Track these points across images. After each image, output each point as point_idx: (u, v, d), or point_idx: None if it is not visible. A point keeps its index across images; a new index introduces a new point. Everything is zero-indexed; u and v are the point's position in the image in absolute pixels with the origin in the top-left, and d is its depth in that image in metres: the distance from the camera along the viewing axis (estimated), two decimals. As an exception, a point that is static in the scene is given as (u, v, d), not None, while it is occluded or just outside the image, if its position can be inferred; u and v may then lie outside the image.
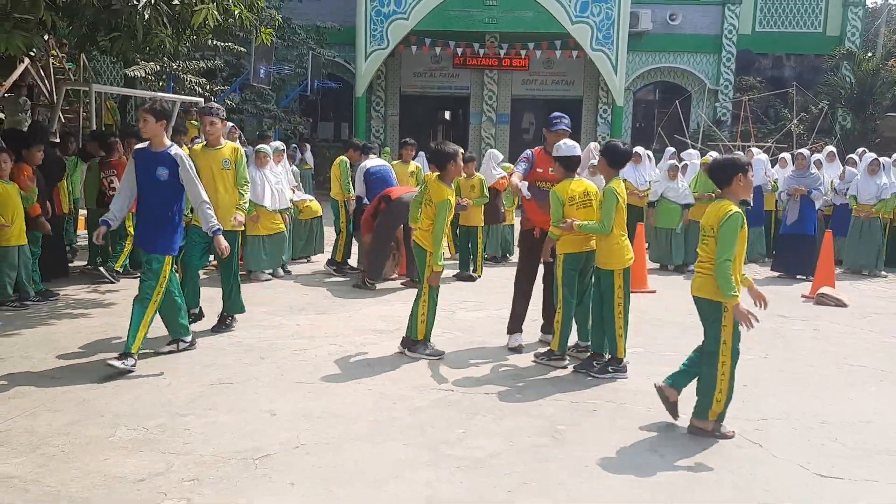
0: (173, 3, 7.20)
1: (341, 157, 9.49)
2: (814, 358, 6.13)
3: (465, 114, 24.29)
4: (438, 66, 23.33)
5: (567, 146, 5.56)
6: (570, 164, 5.54)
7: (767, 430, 4.48)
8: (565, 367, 5.54)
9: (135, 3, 6.25)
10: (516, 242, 8.86)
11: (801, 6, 22.95)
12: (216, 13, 6.96)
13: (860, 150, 12.11)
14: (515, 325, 6.22)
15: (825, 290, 8.51)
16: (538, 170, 6.04)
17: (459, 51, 21.93)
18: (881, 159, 10.34)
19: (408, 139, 10.06)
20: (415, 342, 5.79)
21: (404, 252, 8.79)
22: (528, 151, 6.20)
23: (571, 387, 5.18)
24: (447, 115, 25.80)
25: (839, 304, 8.28)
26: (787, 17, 23.10)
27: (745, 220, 4.29)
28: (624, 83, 21.25)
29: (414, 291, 8.26)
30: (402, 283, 8.70)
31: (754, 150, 13.24)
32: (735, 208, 4.23)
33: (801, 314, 7.87)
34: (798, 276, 9.71)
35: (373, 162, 9.06)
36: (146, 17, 6.34)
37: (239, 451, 3.88)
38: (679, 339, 6.58)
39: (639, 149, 11.07)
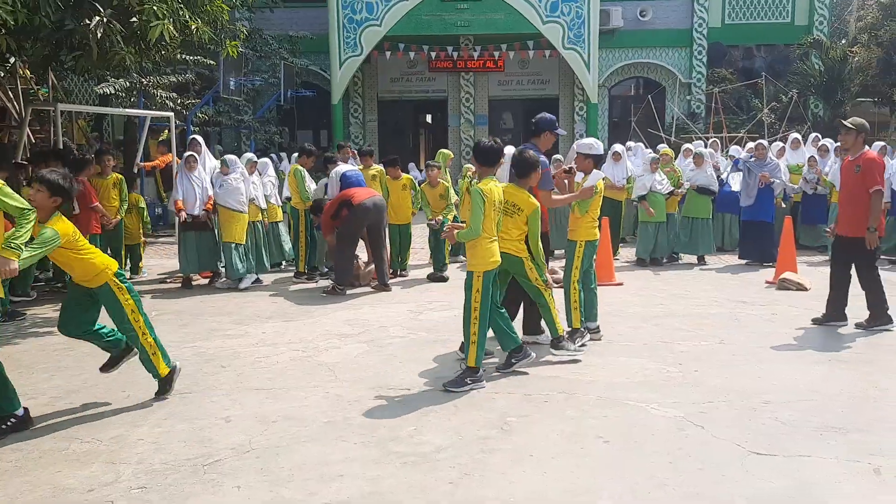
0: (130, 20, 7.30)
1: (295, 166, 9.54)
2: (765, 340, 6.27)
3: (443, 117, 24.42)
4: (414, 71, 23.44)
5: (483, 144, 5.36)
6: (488, 160, 5.30)
7: (711, 413, 4.60)
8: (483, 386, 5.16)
9: (87, 22, 6.34)
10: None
11: (769, -3, 23.17)
12: (172, 29, 7.05)
13: (832, 142, 12.30)
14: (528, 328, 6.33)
15: (787, 275, 8.67)
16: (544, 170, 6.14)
17: (434, 55, 22.05)
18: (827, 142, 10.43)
19: (369, 147, 10.12)
20: (559, 339, 5.74)
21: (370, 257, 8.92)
22: (544, 160, 6.02)
23: (527, 381, 5.30)
24: (429, 118, 25.93)
25: (801, 288, 8.44)
26: (755, 8, 23.32)
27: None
28: (598, 80, 21.39)
29: (382, 295, 8.44)
30: (372, 287, 8.81)
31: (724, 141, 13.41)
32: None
33: (762, 299, 8.02)
34: (765, 264, 9.87)
35: (346, 167, 9.21)
36: (99, 35, 6.43)
37: (190, 458, 3.97)
38: (639, 330, 6.73)
39: (617, 147, 11.17)
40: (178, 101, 14.56)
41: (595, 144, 6.40)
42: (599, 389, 5.09)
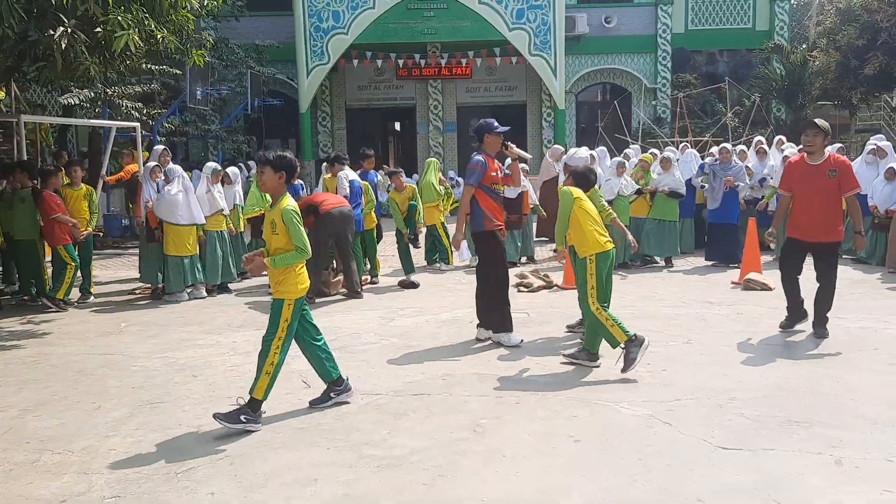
0: (94, 30, 7.25)
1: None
2: (732, 339, 6.40)
3: (411, 124, 24.49)
4: (382, 79, 23.50)
5: None
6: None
7: (679, 410, 4.69)
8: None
9: (51, 32, 6.29)
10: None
11: (731, 3, 23.63)
12: (137, 39, 7.01)
13: (785, 141, 12.54)
14: (509, 324, 6.46)
15: (752, 275, 8.84)
16: (492, 173, 6.33)
17: (401, 62, 22.13)
18: (789, 153, 10.54)
19: (340, 153, 10.07)
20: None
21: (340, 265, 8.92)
22: (479, 158, 6.32)
23: (500, 383, 5.35)
24: (397, 126, 25.98)
25: (765, 288, 8.61)
26: (717, 14, 23.77)
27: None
28: (564, 86, 21.64)
29: (354, 302, 8.46)
30: (342, 295, 8.81)
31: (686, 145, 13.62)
32: None
33: (728, 300, 8.17)
34: (731, 265, 10.05)
35: (354, 174, 9.34)
36: (63, 46, 6.38)
37: (163, 467, 3.96)
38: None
39: (592, 151, 11.29)
40: (144, 112, 14.44)
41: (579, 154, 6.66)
42: (571, 391, 5.16)
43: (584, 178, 6.07)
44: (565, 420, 4.60)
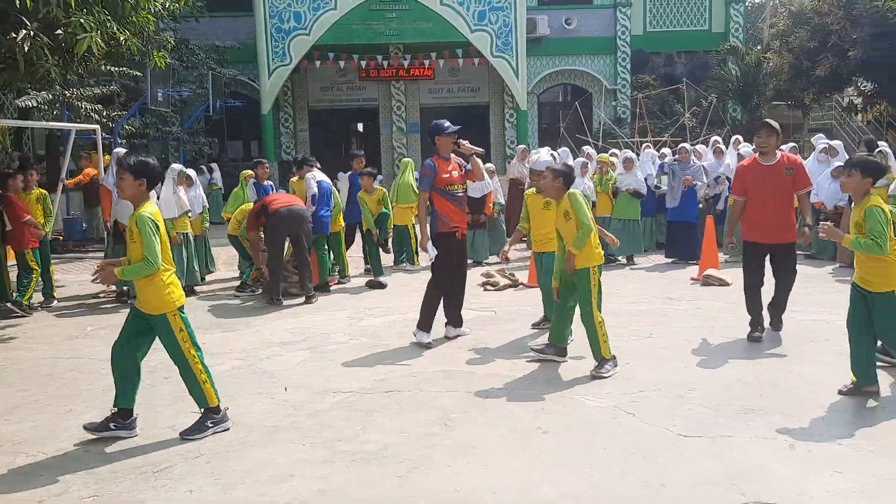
0: (56, 33, 7.21)
1: (249, 206, 9.41)
2: (691, 334, 6.61)
3: (375, 125, 24.54)
4: (345, 80, 23.51)
5: None
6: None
7: (642, 402, 4.87)
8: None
9: (13, 35, 6.25)
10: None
11: (687, 6, 24.15)
12: (100, 41, 6.99)
13: (738, 139, 12.89)
14: (429, 322, 6.51)
15: (710, 271, 9.10)
16: (444, 175, 6.37)
17: (364, 63, 22.17)
18: (743, 152, 10.84)
19: (307, 156, 10.11)
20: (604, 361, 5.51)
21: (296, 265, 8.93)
22: (429, 162, 6.44)
23: (468, 380, 5.47)
24: (360, 127, 26.00)
25: (723, 283, 8.88)
26: (674, 16, 24.27)
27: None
28: (526, 87, 21.92)
29: (323, 303, 8.51)
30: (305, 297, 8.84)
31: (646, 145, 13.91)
32: None
33: (687, 295, 8.42)
34: (689, 262, 10.32)
35: (322, 176, 9.39)
36: (26, 48, 6.34)
37: (139, 466, 4.01)
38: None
39: (553, 152, 11.47)
40: (104, 114, 14.28)
41: (542, 157, 6.72)
42: (537, 385, 5.31)
43: (572, 179, 5.80)
44: (533, 413, 4.74)
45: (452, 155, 6.55)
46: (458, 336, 6.69)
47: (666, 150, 12.88)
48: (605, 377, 5.39)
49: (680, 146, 11.09)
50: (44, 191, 9.08)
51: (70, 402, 5.11)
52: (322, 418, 4.73)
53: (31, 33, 6.35)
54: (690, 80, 22.25)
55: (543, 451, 4.15)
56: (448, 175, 6.40)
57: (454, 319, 6.75)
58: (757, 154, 6.53)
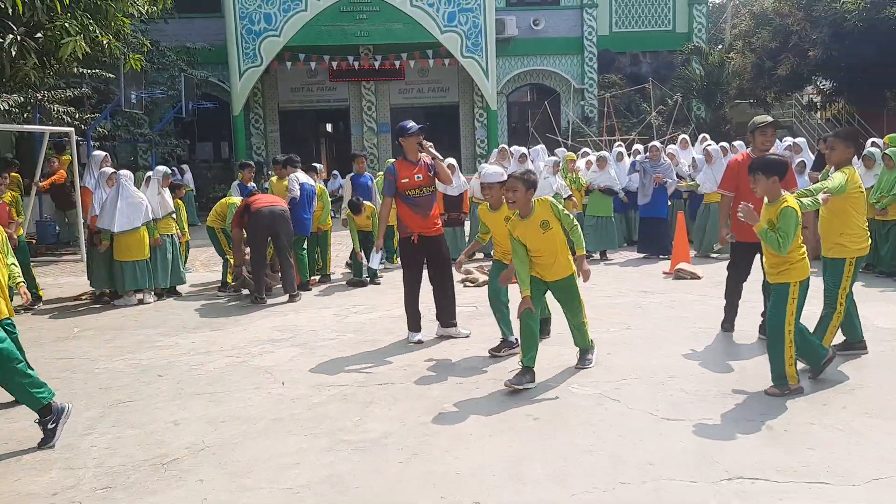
0: (36, 36, 7.25)
1: (231, 199, 9.52)
2: (667, 324, 6.89)
3: (345, 126, 24.61)
4: (315, 81, 23.55)
5: None
6: None
7: (625, 389, 5.11)
8: None
9: (0, 40, 6.30)
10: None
11: (652, 7, 24.62)
12: (84, 45, 7.05)
13: (701, 136, 13.30)
14: (414, 322, 6.62)
15: (682, 265, 9.42)
16: (403, 180, 6.36)
17: (335, 64, 22.23)
18: (710, 149, 11.19)
19: (292, 156, 10.16)
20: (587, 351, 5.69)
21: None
22: (390, 167, 6.55)
23: (456, 371, 5.67)
24: (329, 127, 26.05)
25: (694, 276, 9.20)
26: (639, 17, 24.72)
27: None
28: (496, 87, 22.17)
29: (307, 301, 8.64)
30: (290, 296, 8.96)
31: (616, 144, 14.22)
32: None
33: (661, 289, 8.71)
34: (661, 256, 10.64)
35: (306, 177, 9.48)
36: (13, 53, 6.39)
37: (147, 459, 4.13)
38: (552, 321, 7.22)
39: (522, 149, 11.71)
40: (77, 116, 14.19)
41: (489, 170, 6.23)
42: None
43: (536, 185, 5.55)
44: (522, 401, 4.94)
45: (423, 156, 6.48)
46: (450, 337, 6.67)
47: (638, 147, 13.21)
48: (588, 366, 5.57)
49: (651, 144, 11.42)
50: (16, 193, 9.09)
51: (67, 400, 5.19)
52: (320, 410, 4.89)
53: (18, 38, 6.39)
54: (656, 79, 22.71)
55: (535, 435, 4.36)
56: (408, 179, 6.35)
57: (441, 318, 6.74)
58: (753, 152, 6.28)
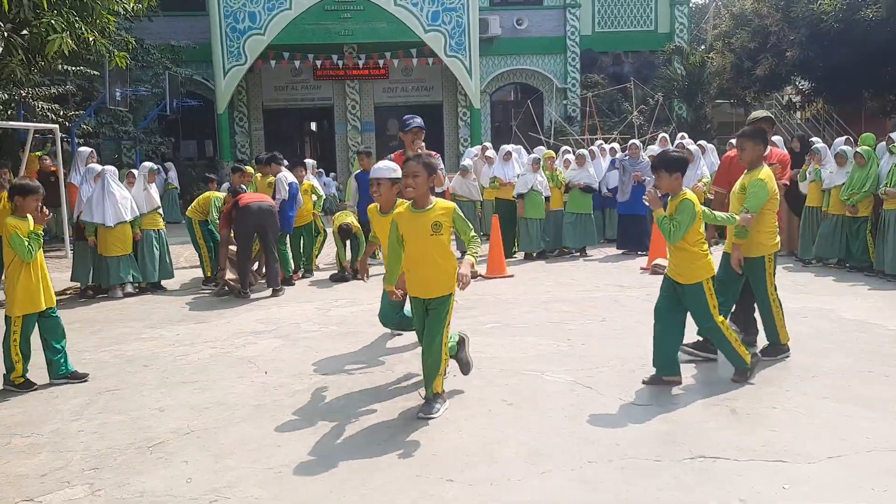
0: (22, 33, 7.34)
1: (214, 193, 9.67)
2: (642, 317, 7.05)
3: (330, 124, 24.71)
4: (299, 79, 23.63)
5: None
6: None
7: (597, 376, 5.29)
8: None
9: (-13, 36, 6.40)
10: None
11: (634, 7, 24.89)
12: (70, 42, 7.15)
13: (679, 135, 13.54)
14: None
15: (659, 260, 9.62)
16: None
17: (319, 63, 22.34)
18: (690, 147, 11.42)
19: (276, 154, 10.26)
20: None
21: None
22: (388, 157, 6.45)
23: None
24: (313, 126, 26.14)
25: (670, 271, 9.40)
26: (622, 17, 24.99)
27: None
28: (479, 86, 22.36)
29: (290, 295, 8.79)
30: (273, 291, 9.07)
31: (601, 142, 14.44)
32: None
33: (638, 283, 8.92)
34: (639, 252, 10.86)
35: (292, 176, 9.59)
36: (0, 49, 6.48)
37: (133, 443, 4.27)
38: (531, 314, 7.41)
39: (509, 147, 11.89)
40: (61, 113, 14.23)
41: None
42: (500, 363, 5.69)
43: None
44: (498, 388, 5.12)
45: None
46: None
47: (616, 146, 13.45)
48: (434, 417, 4.53)
49: (630, 143, 11.63)
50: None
51: (55, 389, 5.32)
52: (303, 397, 5.04)
53: (5, 34, 6.49)
54: (637, 79, 22.97)
55: (510, 419, 4.52)
56: None
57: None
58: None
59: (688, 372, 5.30)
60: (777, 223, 5.66)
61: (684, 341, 5.37)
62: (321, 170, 20.98)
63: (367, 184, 10.10)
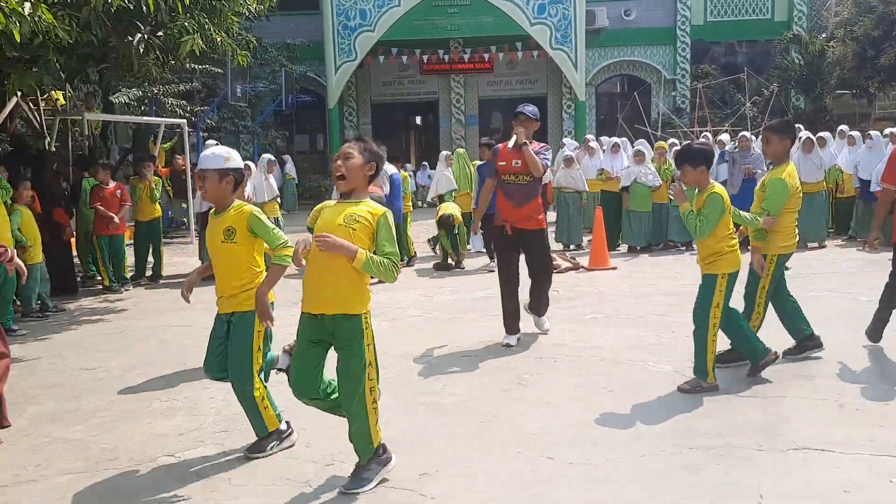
0: (158, 34, 7.96)
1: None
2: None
3: (435, 118, 25.15)
4: (406, 74, 24.15)
5: None
6: None
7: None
8: None
9: (129, 39, 6.99)
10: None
11: (749, -5, 24.03)
12: (200, 42, 7.69)
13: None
14: (509, 324, 6.16)
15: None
16: (500, 163, 6.05)
17: (425, 58, 22.77)
18: (822, 136, 11.03)
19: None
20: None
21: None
22: (495, 147, 6.41)
23: (536, 347, 5.98)
24: (418, 120, 26.67)
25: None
26: (736, 5, 24.16)
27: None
28: (584, 79, 22.20)
29: (383, 285, 9.12)
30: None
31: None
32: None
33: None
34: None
35: (393, 168, 10.01)
36: (141, 50, 7.08)
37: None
38: (633, 306, 7.44)
39: (616, 140, 11.88)
40: (188, 109, 15.21)
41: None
42: (601, 353, 5.79)
43: None
44: (598, 376, 5.22)
45: (533, 141, 6.11)
46: (538, 331, 6.36)
47: (725, 138, 13.12)
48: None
49: (740, 135, 11.35)
50: (157, 178, 9.98)
51: (186, 358, 5.83)
52: (405, 377, 5.31)
53: (146, 36, 7.08)
54: (751, 69, 22.17)
55: (609, 405, 4.62)
56: (505, 163, 6.00)
57: (532, 305, 6.40)
58: None
59: (796, 368, 5.24)
60: (795, 225, 5.30)
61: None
62: (425, 163, 21.51)
63: (486, 175, 10.36)
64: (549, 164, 6.11)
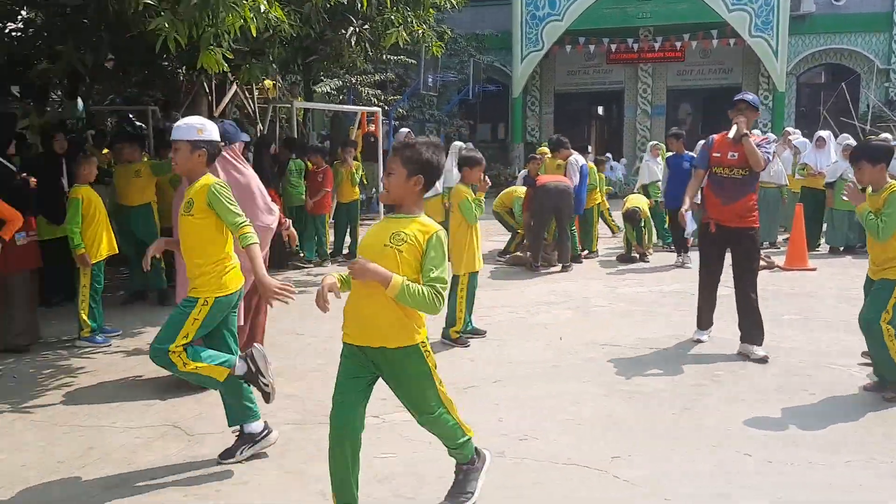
0: (364, 27, 8.49)
1: (516, 190, 10.31)
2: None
3: (619, 108, 24.67)
4: (592, 63, 23.84)
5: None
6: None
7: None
8: None
9: (343, 32, 7.54)
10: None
11: None
12: (404, 35, 8.11)
13: None
14: (702, 320, 5.97)
15: None
16: (715, 154, 5.60)
17: (613, 47, 22.36)
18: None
19: (562, 137, 10.56)
20: None
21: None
22: (710, 137, 5.83)
23: (728, 345, 5.80)
24: (600, 110, 26.28)
25: None
26: (967, -14, 21.64)
27: None
28: (786, 68, 20.85)
29: (578, 271, 9.19)
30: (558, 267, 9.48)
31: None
32: None
33: None
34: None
35: (582, 159, 10.05)
36: (353, 43, 7.60)
37: (452, 383, 4.87)
38: (834, 309, 7.01)
39: (822, 133, 11.17)
40: (382, 98, 16.03)
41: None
42: (801, 355, 5.54)
43: None
44: (798, 378, 5.02)
45: (753, 133, 5.67)
46: (749, 358, 5.48)
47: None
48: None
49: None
50: (357, 163, 10.70)
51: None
52: (596, 364, 5.38)
53: (358, 30, 7.59)
54: None
55: (807, 407, 4.48)
56: (720, 154, 5.56)
57: (742, 330, 5.66)
58: None
59: None
60: None
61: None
62: (608, 154, 21.19)
63: (678, 168, 10.08)
64: (769, 157, 5.69)
